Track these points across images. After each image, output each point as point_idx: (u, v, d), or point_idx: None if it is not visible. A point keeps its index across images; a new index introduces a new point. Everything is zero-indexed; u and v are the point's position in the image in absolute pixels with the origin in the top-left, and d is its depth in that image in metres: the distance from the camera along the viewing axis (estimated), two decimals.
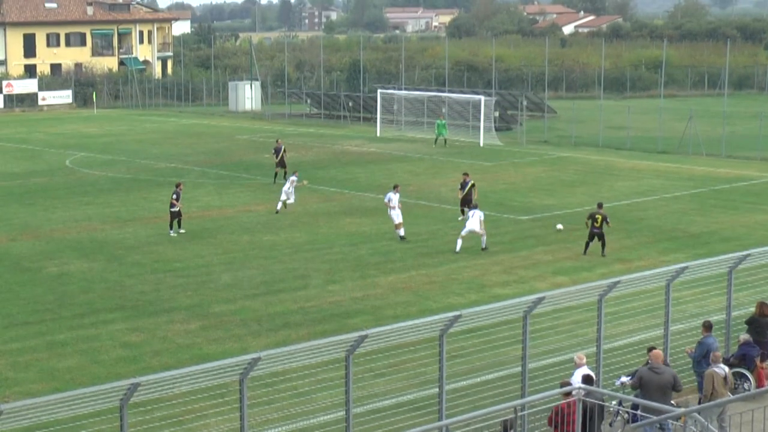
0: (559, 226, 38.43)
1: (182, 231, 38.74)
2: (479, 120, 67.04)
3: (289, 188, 42.81)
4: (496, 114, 71.98)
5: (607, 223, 34.32)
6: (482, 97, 68.68)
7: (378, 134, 72.15)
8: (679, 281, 21.80)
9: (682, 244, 36.34)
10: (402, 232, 37.12)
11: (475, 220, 35.16)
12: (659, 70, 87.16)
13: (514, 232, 38.81)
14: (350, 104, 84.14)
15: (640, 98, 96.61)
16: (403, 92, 78.31)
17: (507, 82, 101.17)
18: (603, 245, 34.40)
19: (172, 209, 38.58)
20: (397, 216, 37.24)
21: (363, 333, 17.32)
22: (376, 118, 74.79)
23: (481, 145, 65.16)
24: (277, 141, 53.20)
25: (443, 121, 65.93)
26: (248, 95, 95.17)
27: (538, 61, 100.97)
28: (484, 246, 35.30)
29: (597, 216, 34.29)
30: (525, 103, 76.22)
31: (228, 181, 51.88)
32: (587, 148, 63.70)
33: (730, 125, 65.03)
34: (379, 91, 76.39)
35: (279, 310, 28.40)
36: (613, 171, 54.15)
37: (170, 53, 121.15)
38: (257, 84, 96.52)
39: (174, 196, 38.54)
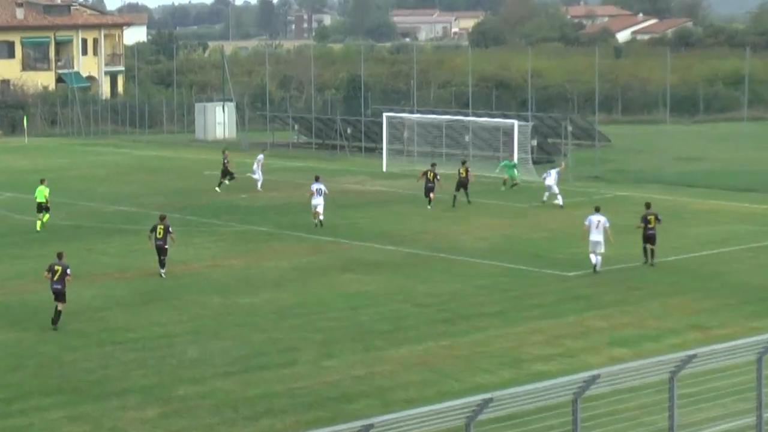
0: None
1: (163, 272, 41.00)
2: (511, 151, 67.09)
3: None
4: (534, 143, 72.12)
5: (659, 220, 40.57)
6: (515, 122, 68.89)
7: (384, 169, 72.31)
8: None
9: None
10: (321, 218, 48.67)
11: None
12: (741, 86, 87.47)
13: (558, 291, 38.70)
14: (348, 131, 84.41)
15: (717, 122, 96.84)
16: (416, 116, 78.58)
17: (547, 103, 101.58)
18: (653, 253, 40.48)
19: (166, 245, 40.83)
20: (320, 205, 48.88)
21: (367, 422, 17.24)
22: (381, 149, 74.94)
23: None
24: (463, 163, 60.34)
25: (512, 162, 64.07)
26: (220, 120, 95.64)
27: (586, 77, 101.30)
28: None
29: (649, 217, 40.37)
30: (570, 128, 76.39)
31: (195, 228, 51.89)
32: (650, 185, 63.68)
33: None
34: (384, 114, 76.54)
35: (260, 393, 28.27)
36: (684, 214, 54.09)
37: (122, 67, 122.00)
38: (231, 106, 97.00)
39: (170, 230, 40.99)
